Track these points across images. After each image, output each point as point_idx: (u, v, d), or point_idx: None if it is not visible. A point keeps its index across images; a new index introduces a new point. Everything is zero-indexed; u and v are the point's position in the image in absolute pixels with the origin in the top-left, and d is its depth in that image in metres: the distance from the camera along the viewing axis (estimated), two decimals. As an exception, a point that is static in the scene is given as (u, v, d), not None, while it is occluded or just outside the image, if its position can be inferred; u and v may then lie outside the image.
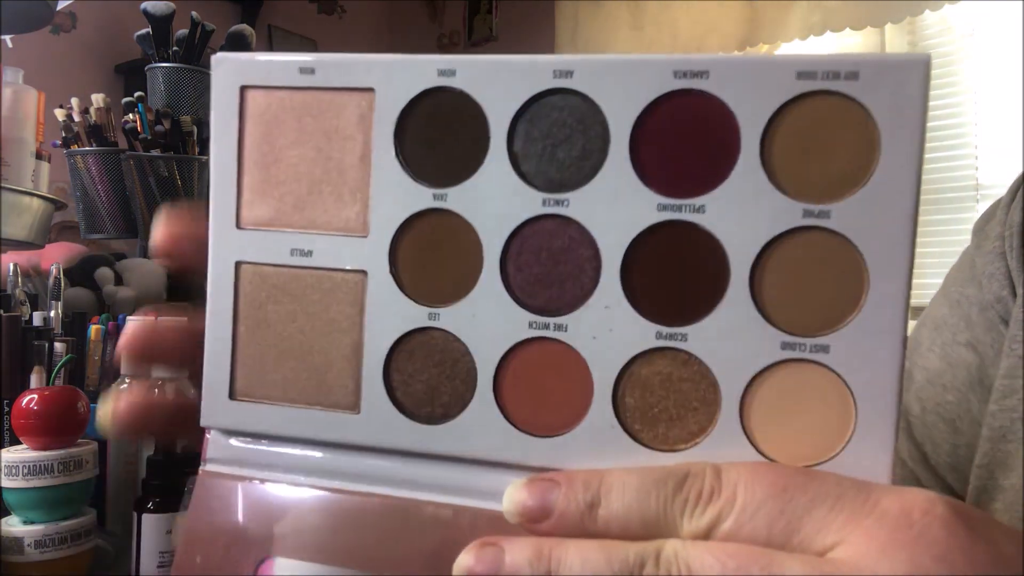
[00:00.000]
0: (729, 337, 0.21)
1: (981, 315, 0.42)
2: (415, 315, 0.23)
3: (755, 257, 0.21)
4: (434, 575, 0.22)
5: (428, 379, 0.23)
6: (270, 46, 2.84)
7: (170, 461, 0.55)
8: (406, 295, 0.23)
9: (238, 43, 1.16)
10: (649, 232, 0.22)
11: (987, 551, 0.18)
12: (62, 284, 0.84)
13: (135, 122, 1.07)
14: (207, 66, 1.14)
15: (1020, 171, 0.44)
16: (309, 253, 0.24)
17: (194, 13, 1.11)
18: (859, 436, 0.21)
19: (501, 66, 0.22)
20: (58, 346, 0.74)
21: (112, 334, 0.80)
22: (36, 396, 0.54)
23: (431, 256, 0.23)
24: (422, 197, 0.23)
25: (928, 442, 0.43)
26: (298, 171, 0.24)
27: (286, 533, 0.24)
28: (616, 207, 0.22)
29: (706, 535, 0.19)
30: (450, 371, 0.23)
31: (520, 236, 0.22)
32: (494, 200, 0.22)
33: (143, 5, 1.09)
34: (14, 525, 0.52)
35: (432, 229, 0.23)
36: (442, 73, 0.23)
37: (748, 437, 0.21)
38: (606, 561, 0.19)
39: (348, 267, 0.24)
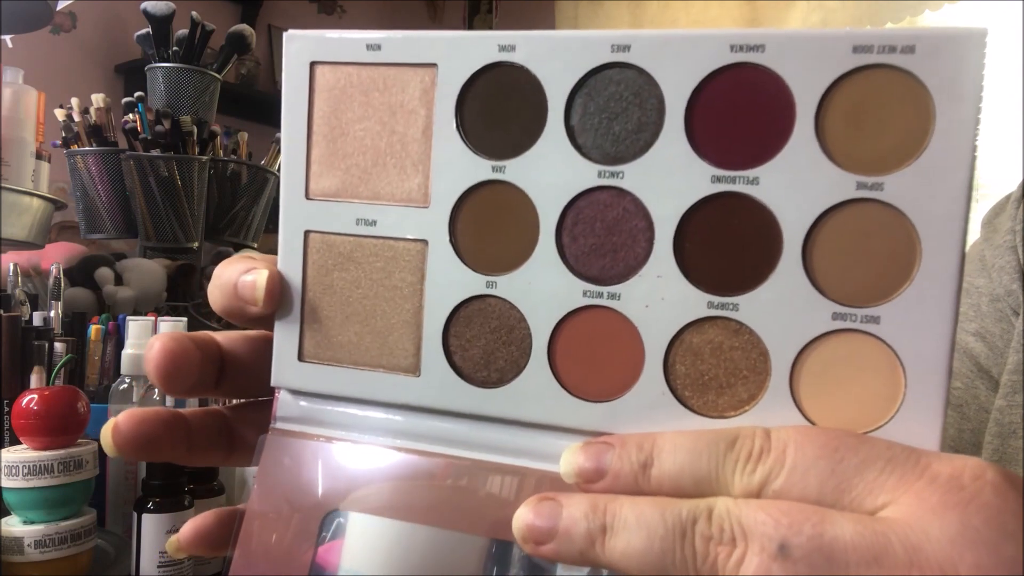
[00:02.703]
0: (780, 307, 0.21)
1: (991, 306, 0.42)
2: (473, 283, 0.24)
3: (808, 229, 0.21)
4: (487, 529, 0.23)
5: (485, 344, 0.24)
6: (270, 46, 2.84)
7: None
8: (465, 264, 0.24)
9: (238, 43, 1.16)
10: (702, 203, 0.22)
11: None
12: (62, 284, 0.84)
13: (135, 122, 1.07)
14: (207, 66, 1.14)
15: (1021, 170, 0.45)
16: (373, 223, 0.25)
17: (194, 13, 1.11)
18: (908, 406, 0.21)
19: (560, 41, 0.23)
20: (58, 346, 0.74)
21: (112, 334, 0.80)
22: (36, 396, 0.54)
23: (489, 226, 0.24)
24: (481, 169, 0.24)
25: None
26: (364, 144, 0.25)
27: (351, 488, 0.25)
28: (670, 179, 0.22)
29: (757, 493, 0.20)
30: (506, 337, 0.24)
31: (575, 207, 0.23)
32: (551, 172, 0.23)
33: (143, 5, 1.09)
34: (14, 525, 0.52)
35: (490, 200, 0.24)
36: (503, 48, 0.23)
37: (797, 405, 0.22)
38: (659, 516, 0.20)
39: (410, 236, 0.25)
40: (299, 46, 0.25)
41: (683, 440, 0.21)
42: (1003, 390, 0.39)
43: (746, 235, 0.22)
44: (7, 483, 0.52)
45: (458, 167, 0.24)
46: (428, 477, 0.24)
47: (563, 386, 0.23)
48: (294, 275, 0.26)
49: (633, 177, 0.22)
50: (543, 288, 0.23)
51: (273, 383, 0.26)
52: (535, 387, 0.23)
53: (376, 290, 0.25)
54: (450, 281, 0.24)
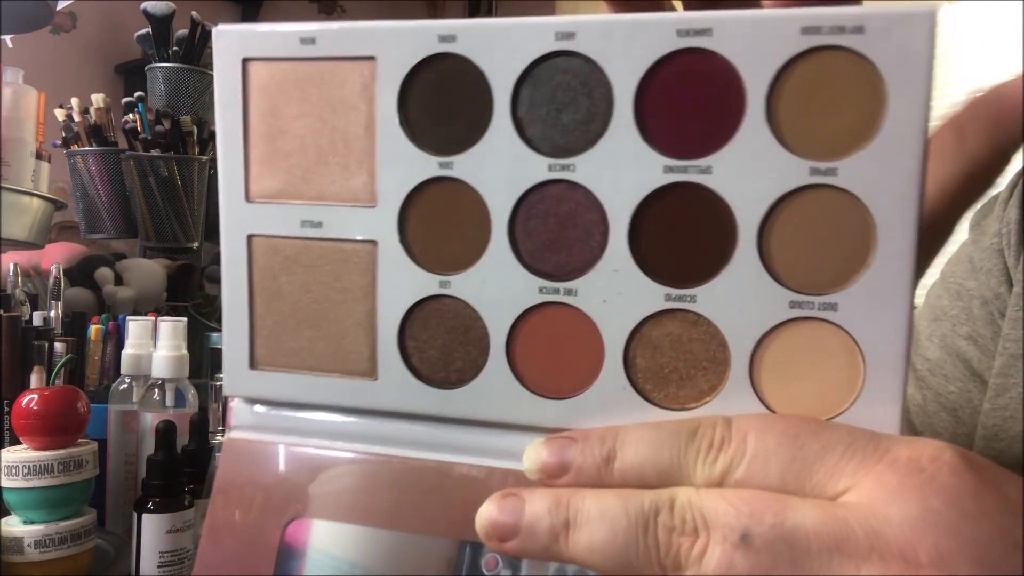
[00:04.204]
0: (738, 297, 0.21)
1: (982, 309, 0.42)
2: (426, 283, 0.23)
3: (763, 217, 0.21)
4: (453, 530, 0.23)
5: (442, 345, 0.24)
6: (270, 46, 2.84)
7: (170, 461, 0.54)
8: (416, 264, 0.23)
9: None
10: (656, 195, 0.22)
11: (993, 495, 0.18)
12: (62, 284, 0.84)
13: (135, 122, 1.07)
14: (207, 66, 1.14)
15: (1019, 168, 0.44)
16: (319, 224, 0.24)
17: (194, 13, 1.11)
18: (868, 392, 0.21)
19: (502, 30, 0.22)
20: (58, 346, 0.74)
21: (112, 334, 0.80)
22: (36, 396, 0.54)
23: (440, 224, 0.23)
24: (428, 166, 0.23)
25: (928, 431, 0.44)
26: (304, 142, 0.24)
27: (311, 494, 0.24)
28: (622, 170, 0.22)
29: (719, 483, 0.20)
30: (463, 337, 0.24)
31: (527, 202, 0.23)
32: (500, 167, 0.22)
33: (143, 5, 1.09)
34: (14, 525, 0.52)
35: (439, 198, 0.23)
36: (443, 39, 0.22)
37: (758, 394, 0.22)
38: (622, 508, 0.20)
39: (358, 237, 0.24)
40: (229, 42, 0.24)
41: (645, 432, 0.21)
42: (989, 393, 0.39)
43: (701, 226, 0.22)
44: (7, 483, 0.52)
45: (404, 164, 0.23)
46: (390, 480, 0.24)
47: (523, 384, 0.23)
48: (239, 281, 0.25)
49: (584, 169, 0.22)
50: (498, 286, 0.23)
51: (225, 392, 0.26)
52: (495, 386, 0.23)
53: (327, 293, 0.24)
54: (402, 282, 0.24)
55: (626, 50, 0.21)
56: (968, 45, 2.07)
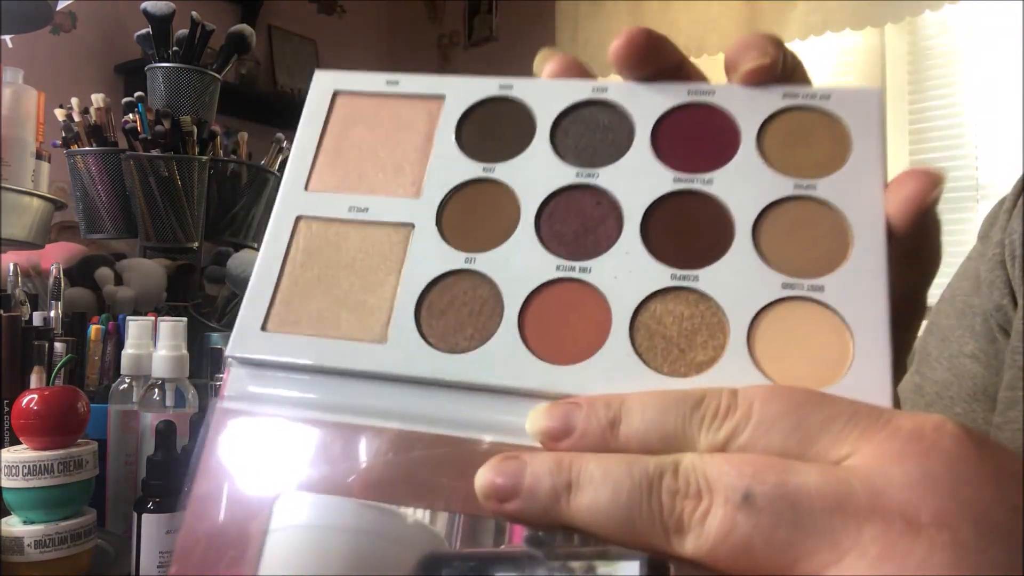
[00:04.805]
0: (736, 278, 0.24)
1: (984, 325, 0.42)
2: (453, 258, 0.26)
3: (755, 218, 0.25)
4: (455, 504, 0.23)
5: (456, 314, 0.25)
6: (270, 46, 2.84)
7: (170, 461, 0.54)
8: (447, 243, 0.26)
9: (238, 43, 1.16)
10: (665, 198, 0.26)
11: (993, 464, 0.19)
12: (62, 284, 0.84)
13: (135, 122, 1.07)
14: (207, 66, 1.14)
15: (1021, 173, 0.44)
16: (365, 210, 0.27)
17: (194, 13, 1.11)
18: (858, 363, 0.22)
19: (551, 83, 0.28)
20: (58, 346, 0.74)
21: (112, 334, 0.80)
22: (36, 396, 0.54)
23: (474, 214, 0.27)
24: (473, 169, 0.27)
25: None
26: (363, 152, 0.28)
27: (302, 468, 0.24)
28: (638, 180, 0.26)
29: (723, 448, 0.20)
30: (479, 309, 0.25)
31: (554, 202, 0.26)
32: (535, 172, 0.27)
33: (143, 5, 1.09)
34: (14, 525, 0.52)
35: (478, 194, 0.27)
36: (503, 87, 0.28)
37: (757, 366, 0.23)
38: (627, 471, 0.20)
39: (397, 220, 0.27)
40: (327, 79, 0.30)
41: (651, 399, 0.21)
42: (999, 407, 0.39)
43: (703, 223, 0.25)
44: (7, 483, 0.52)
45: (452, 167, 0.27)
46: (387, 452, 0.24)
47: (531, 350, 0.24)
48: (276, 255, 0.27)
49: (606, 178, 0.26)
50: (519, 263, 0.25)
51: (228, 353, 0.25)
52: (503, 351, 0.24)
53: (355, 267, 0.26)
54: (431, 257, 0.26)
55: (647, 101, 0.27)
56: (968, 45, 2.07)
